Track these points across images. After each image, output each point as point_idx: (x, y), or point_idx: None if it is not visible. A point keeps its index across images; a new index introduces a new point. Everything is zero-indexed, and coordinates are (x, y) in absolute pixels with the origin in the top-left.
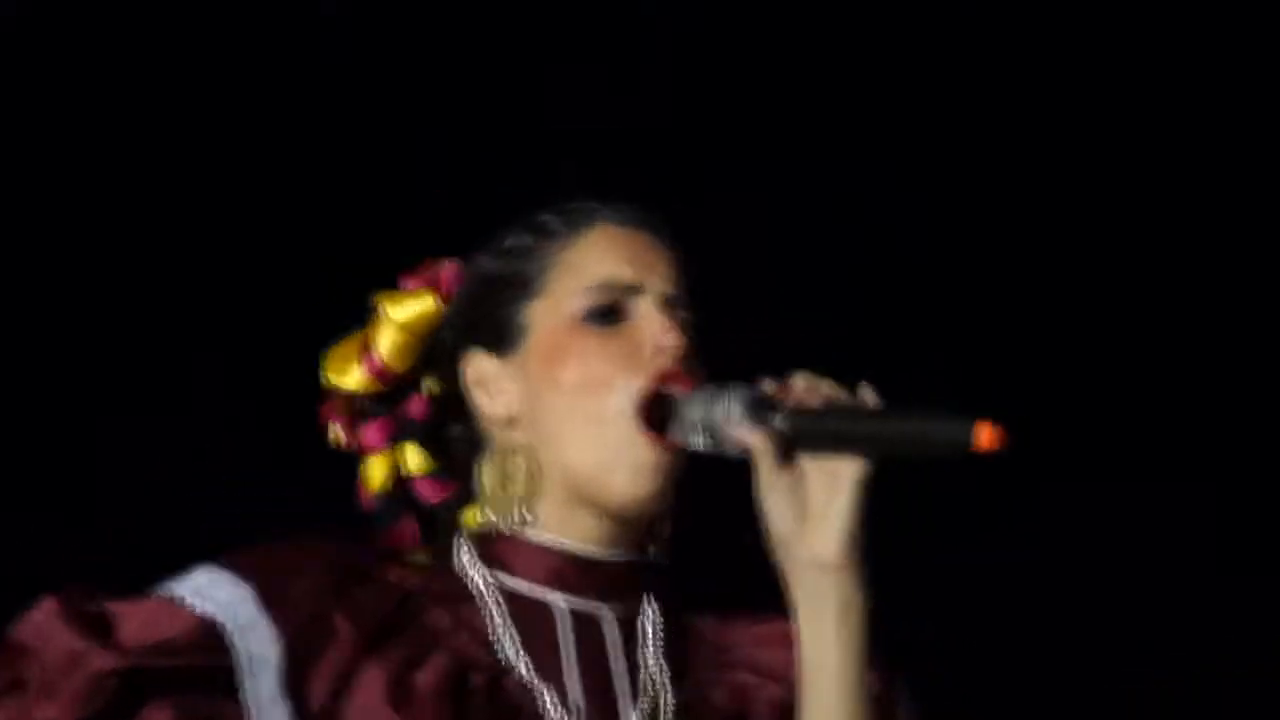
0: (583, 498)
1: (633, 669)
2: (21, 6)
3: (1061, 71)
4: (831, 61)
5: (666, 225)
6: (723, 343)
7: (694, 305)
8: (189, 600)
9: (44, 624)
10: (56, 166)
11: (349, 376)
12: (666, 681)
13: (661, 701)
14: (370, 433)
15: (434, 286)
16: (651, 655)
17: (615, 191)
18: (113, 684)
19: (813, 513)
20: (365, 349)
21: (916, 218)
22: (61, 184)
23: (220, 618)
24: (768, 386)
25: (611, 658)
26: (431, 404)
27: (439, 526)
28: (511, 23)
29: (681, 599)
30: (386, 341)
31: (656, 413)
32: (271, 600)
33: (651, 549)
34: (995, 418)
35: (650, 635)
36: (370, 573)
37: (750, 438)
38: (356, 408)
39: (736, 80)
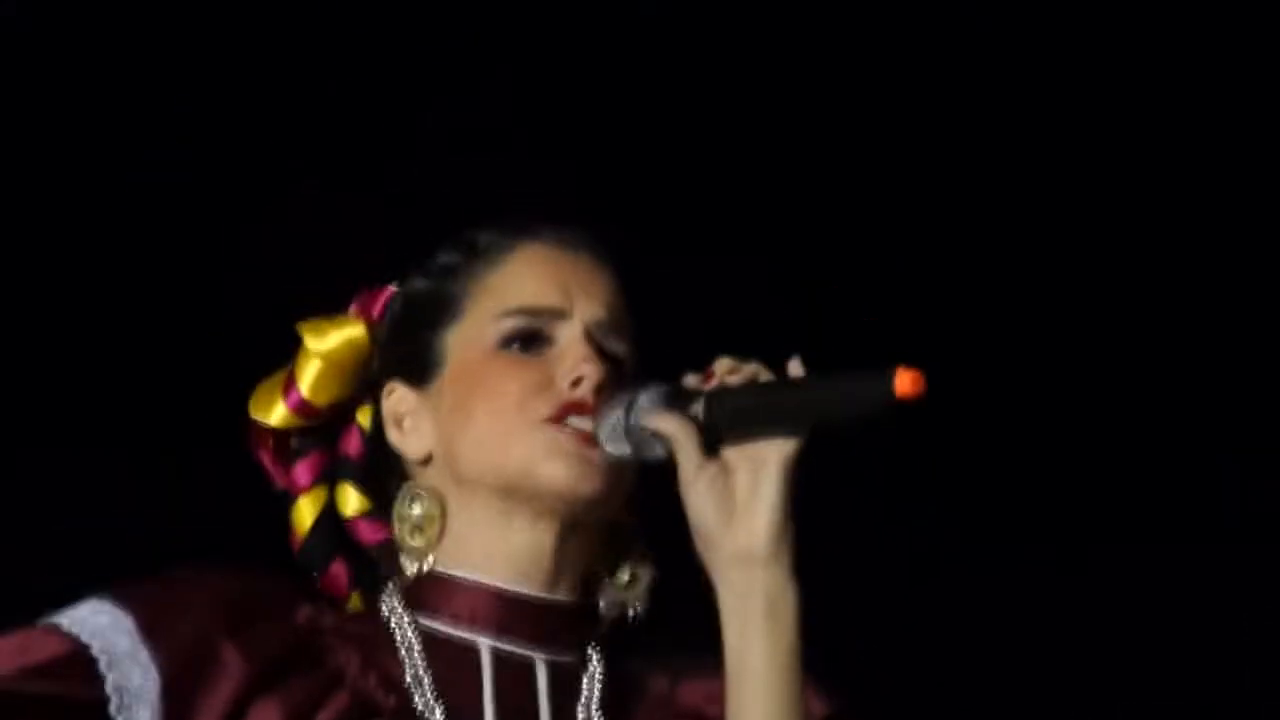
0: (509, 510)
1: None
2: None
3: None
4: None
5: (604, 245)
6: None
7: (631, 329)
8: (65, 626)
9: None
10: None
11: (272, 412)
12: None
13: None
14: (300, 471)
15: (364, 312)
16: (585, 707)
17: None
18: None
19: (738, 504)
20: (288, 382)
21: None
22: None
23: (95, 646)
24: (690, 380)
25: (541, 708)
26: (366, 440)
27: (380, 569)
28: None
29: (632, 652)
30: (308, 374)
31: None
32: (153, 630)
33: (607, 599)
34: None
35: (589, 689)
36: (272, 608)
37: (667, 425)
38: (289, 446)
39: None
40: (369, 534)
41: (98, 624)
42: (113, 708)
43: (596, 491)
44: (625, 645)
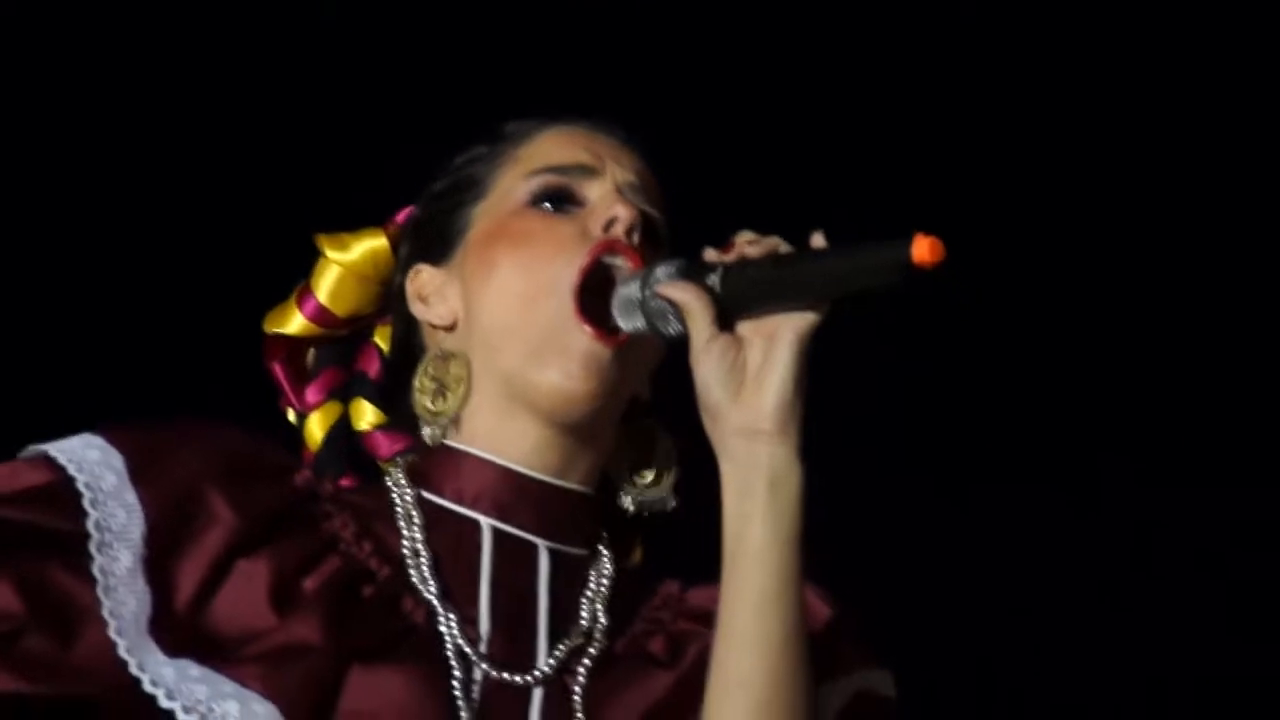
0: (516, 399)
1: (562, 609)
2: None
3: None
4: None
5: (637, 133)
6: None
7: (663, 201)
8: (54, 457)
9: None
10: None
11: (289, 322)
12: (600, 630)
13: (587, 648)
14: (312, 390)
15: (384, 226)
16: (590, 601)
17: None
18: None
19: (748, 377)
20: (304, 292)
21: None
22: None
23: (81, 480)
24: (709, 253)
25: (539, 594)
26: (383, 356)
27: (437, 431)
28: None
29: (650, 564)
30: (326, 282)
31: (595, 297)
32: (144, 472)
33: (629, 496)
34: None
35: (595, 582)
36: (270, 468)
37: (680, 294)
38: (299, 363)
39: None
40: (385, 446)
41: (87, 457)
42: (92, 545)
43: (598, 392)
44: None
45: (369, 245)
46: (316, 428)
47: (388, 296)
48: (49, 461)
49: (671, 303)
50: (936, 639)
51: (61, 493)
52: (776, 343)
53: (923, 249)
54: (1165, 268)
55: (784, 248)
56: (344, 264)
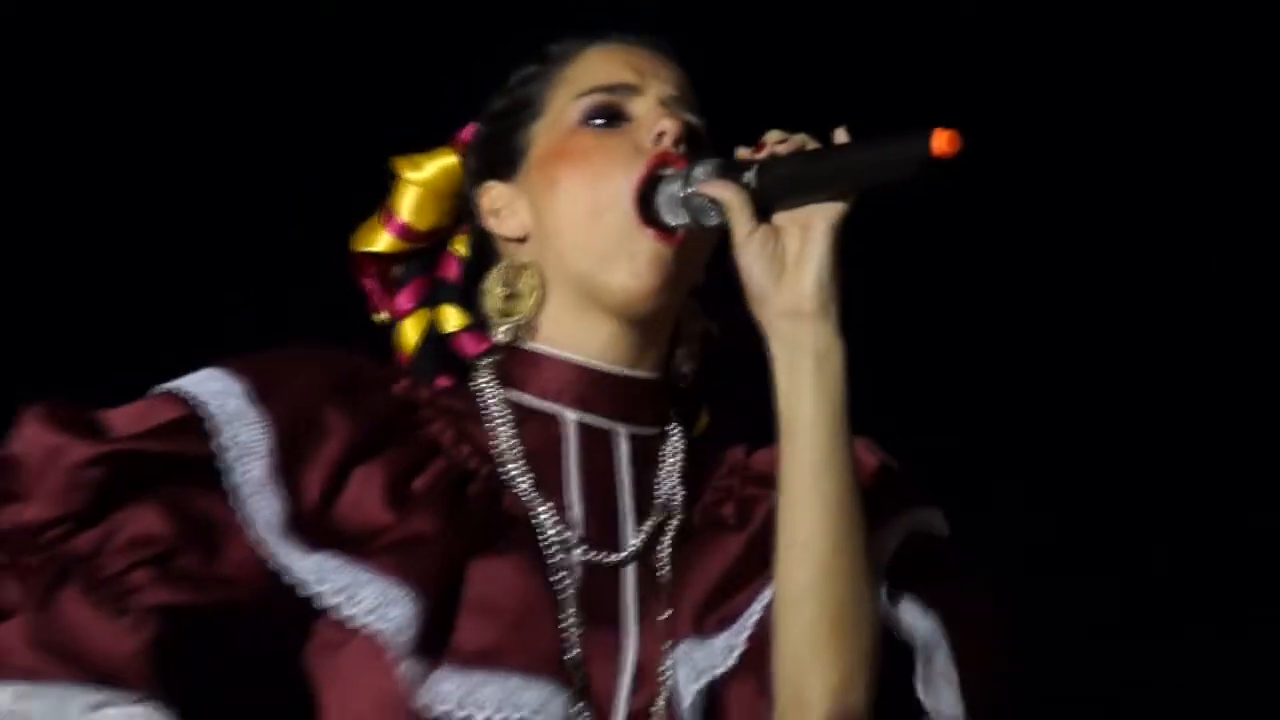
0: (588, 300)
1: (643, 490)
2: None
3: None
4: None
5: (672, 45)
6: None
7: (698, 106)
8: (176, 391)
9: (26, 430)
10: None
11: (377, 240)
12: (678, 503)
13: (669, 522)
14: (403, 297)
15: (452, 144)
16: (666, 477)
17: None
18: (93, 475)
19: (787, 264)
20: (387, 211)
21: None
22: None
23: (208, 406)
24: (741, 151)
25: (620, 476)
26: (463, 263)
27: (508, 333)
28: None
29: (714, 432)
30: (406, 201)
31: (652, 200)
32: (263, 394)
33: (685, 370)
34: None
35: (668, 457)
36: (373, 380)
37: (721, 192)
38: (391, 274)
39: None
40: (471, 346)
41: (209, 389)
42: (224, 463)
43: (662, 287)
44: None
45: (441, 163)
46: (410, 332)
47: (462, 208)
48: (175, 397)
49: (711, 199)
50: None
51: (191, 422)
52: (811, 231)
53: (941, 141)
54: None
55: (811, 144)
56: (420, 183)
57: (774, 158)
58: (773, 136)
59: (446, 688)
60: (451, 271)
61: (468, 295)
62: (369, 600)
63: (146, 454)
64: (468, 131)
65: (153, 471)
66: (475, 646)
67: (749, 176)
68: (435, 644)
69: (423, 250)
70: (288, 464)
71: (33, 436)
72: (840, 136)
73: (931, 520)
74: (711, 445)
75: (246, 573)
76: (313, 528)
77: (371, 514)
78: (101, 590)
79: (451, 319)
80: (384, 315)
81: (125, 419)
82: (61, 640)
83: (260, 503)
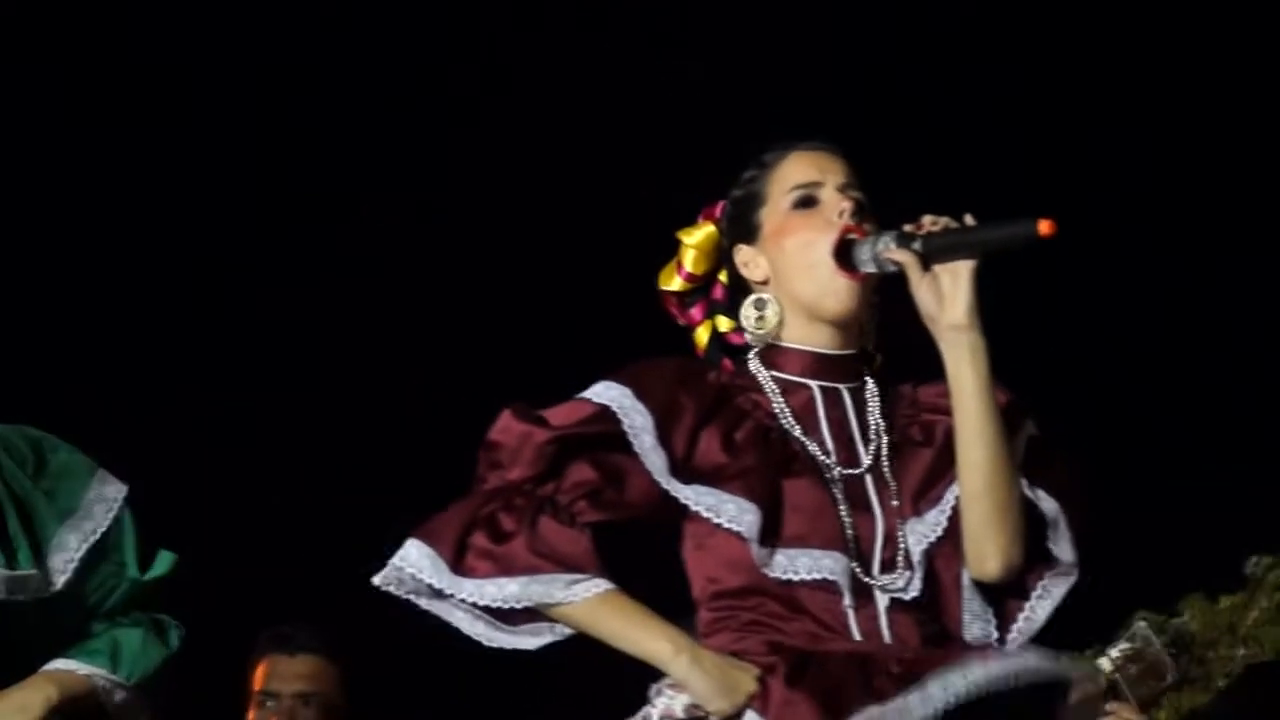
0: (812, 316)
1: (862, 424)
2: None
3: None
4: None
5: (839, 146)
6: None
7: (862, 187)
8: (591, 397)
9: (504, 424)
10: None
11: (672, 282)
12: (883, 429)
13: (881, 443)
14: (695, 312)
15: (710, 218)
16: (873, 413)
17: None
18: (551, 449)
19: (945, 297)
20: (678, 264)
21: None
22: None
23: (612, 404)
24: (908, 227)
25: (850, 418)
26: (726, 289)
27: (764, 338)
28: None
29: (888, 376)
30: (688, 258)
31: (845, 254)
32: (642, 392)
33: (869, 347)
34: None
35: (870, 400)
36: (703, 375)
37: (901, 256)
38: (684, 300)
39: None
40: (736, 339)
41: (610, 394)
42: (629, 436)
43: (858, 306)
44: (886, 373)
45: (706, 231)
46: (703, 334)
47: (721, 257)
48: (587, 400)
49: (894, 260)
50: None
51: (604, 413)
52: (958, 277)
53: (1044, 227)
54: None
55: (953, 224)
56: (695, 245)
57: (930, 233)
58: (927, 219)
59: (779, 559)
60: (719, 293)
61: (731, 308)
62: (730, 511)
63: (580, 434)
64: (718, 208)
65: (584, 445)
66: (792, 533)
67: (917, 245)
68: (768, 534)
69: (701, 282)
70: (664, 434)
71: (508, 427)
72: (968, 218)
73: (1033, 427)
74: (891, 386)
75: (645, 500)
76: (685, 471)
77: (716, 458)
78: (561, 515)
79: (723, 323)
80: (684, 323)
81: (561, 415)
82: (544, 548)
83: (653, 459)
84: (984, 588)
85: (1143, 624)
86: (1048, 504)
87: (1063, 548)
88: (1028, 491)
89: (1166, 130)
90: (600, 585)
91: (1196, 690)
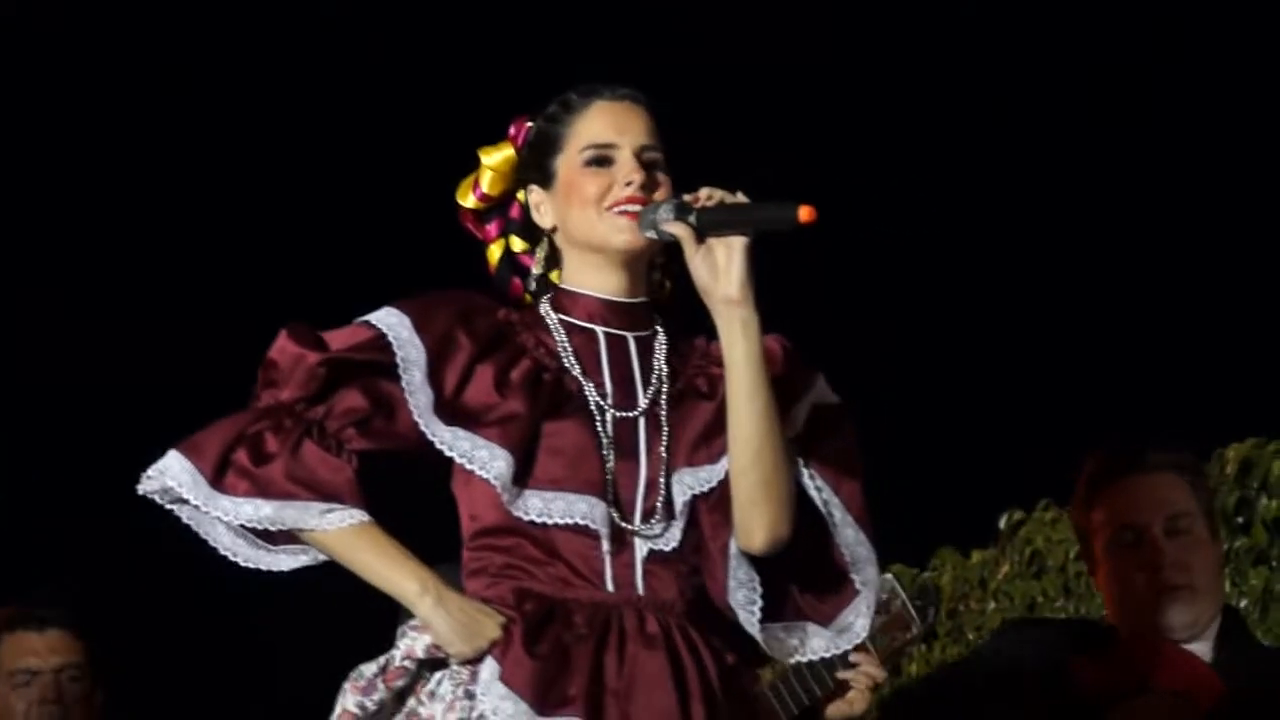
0: (599, 263)
1: (645, 369)
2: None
3: None
4: None
5: (645, 96)
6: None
7: (661, 148)
8: (374, 321)
9: (280, 344)
10: None
11: (467, 199)
12: (665, 377)
13: (662, 389)
14: (490, 229)
15: (512, 141)
16: (658, 359)
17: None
18: (323, 371)
19: (719, 270)
20: (475, 183)
21: None
22: None
23: (389, 332)
24: (686, 197)
25: (633, 363)
26: (523, 209)
27: (534, 281)
28: None
29: (681, 328)
30: (485, 179)
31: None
32: (420, 325)
33: (655, 297)
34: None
35: (657, 349)
36: (491, 311)
37: (676, 230)
38: (481, 216)
39: None
40: (528, 261)
41: (389, 321)
42: (400, 369)
43: (640, 248)
44: (678, 326)
45: (505, 155)
46: (495, 251)
47: (517, 181)
48: (368, 325)
49: (670, 232)
50: None
51: (381, 341)
52: (732, 251)
53: (805, 213)
54: None
55: (728, 198)
56: (493, 167)
57: (705, 207)
58: (704, 191)
59: (534, 502)
60: (515, 213)
61: (524, 227)
62: (483, 458)
63: (354, 360)
64: (520, 130)
65: (357, 371)
66: (549, 476)
67: (693, 218)
68: (523, 477)
69: (497, 202)
70: (435, 370)
71: (284, 347)
72: (741, 196)
73: (826, 392)
74: (683, 337)
75: (411, 432)
76: (449, 410)
77: (485, 398)
78: (328, 441)
79: (516, 243)
80: (481, 239)
81: (339, 338)
82: (303, 474)
83: (419, 396)
84: (751, 555)
85: (888, 576)
86: (823, 489)
87: (843, 535)
88: (803, 474)
89: None
90: (354, 516)
91: (947, 642)
